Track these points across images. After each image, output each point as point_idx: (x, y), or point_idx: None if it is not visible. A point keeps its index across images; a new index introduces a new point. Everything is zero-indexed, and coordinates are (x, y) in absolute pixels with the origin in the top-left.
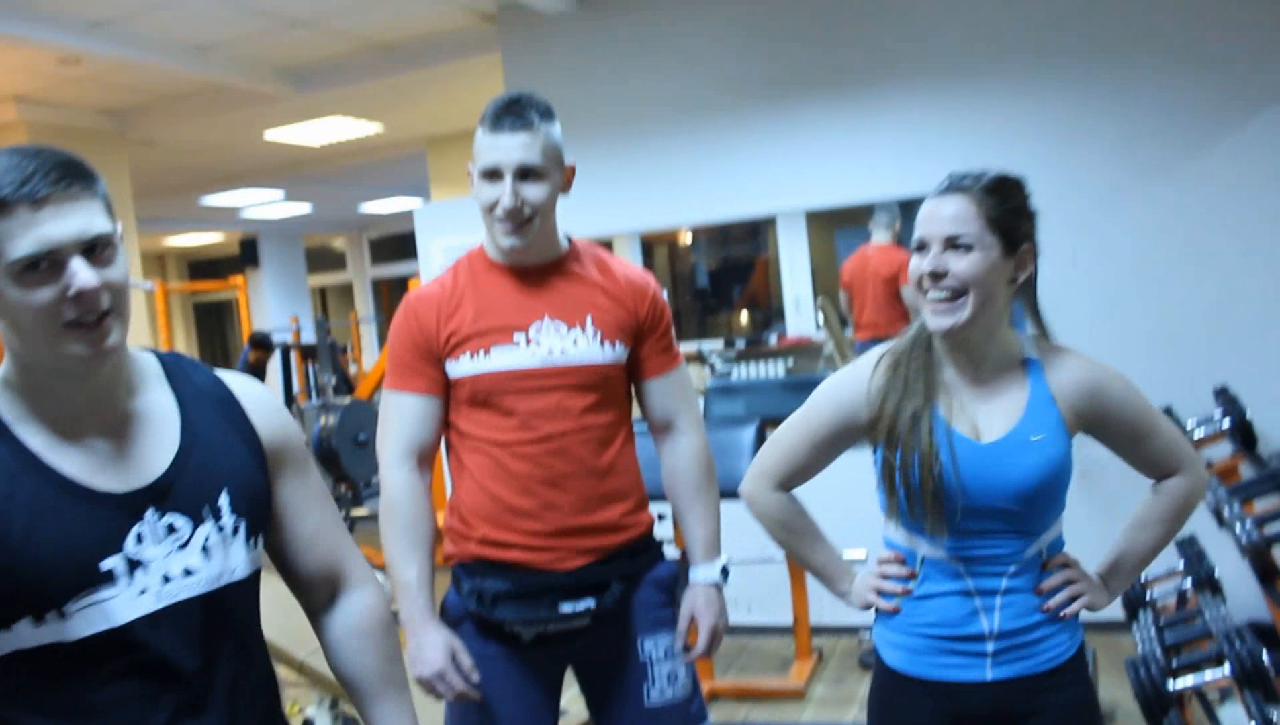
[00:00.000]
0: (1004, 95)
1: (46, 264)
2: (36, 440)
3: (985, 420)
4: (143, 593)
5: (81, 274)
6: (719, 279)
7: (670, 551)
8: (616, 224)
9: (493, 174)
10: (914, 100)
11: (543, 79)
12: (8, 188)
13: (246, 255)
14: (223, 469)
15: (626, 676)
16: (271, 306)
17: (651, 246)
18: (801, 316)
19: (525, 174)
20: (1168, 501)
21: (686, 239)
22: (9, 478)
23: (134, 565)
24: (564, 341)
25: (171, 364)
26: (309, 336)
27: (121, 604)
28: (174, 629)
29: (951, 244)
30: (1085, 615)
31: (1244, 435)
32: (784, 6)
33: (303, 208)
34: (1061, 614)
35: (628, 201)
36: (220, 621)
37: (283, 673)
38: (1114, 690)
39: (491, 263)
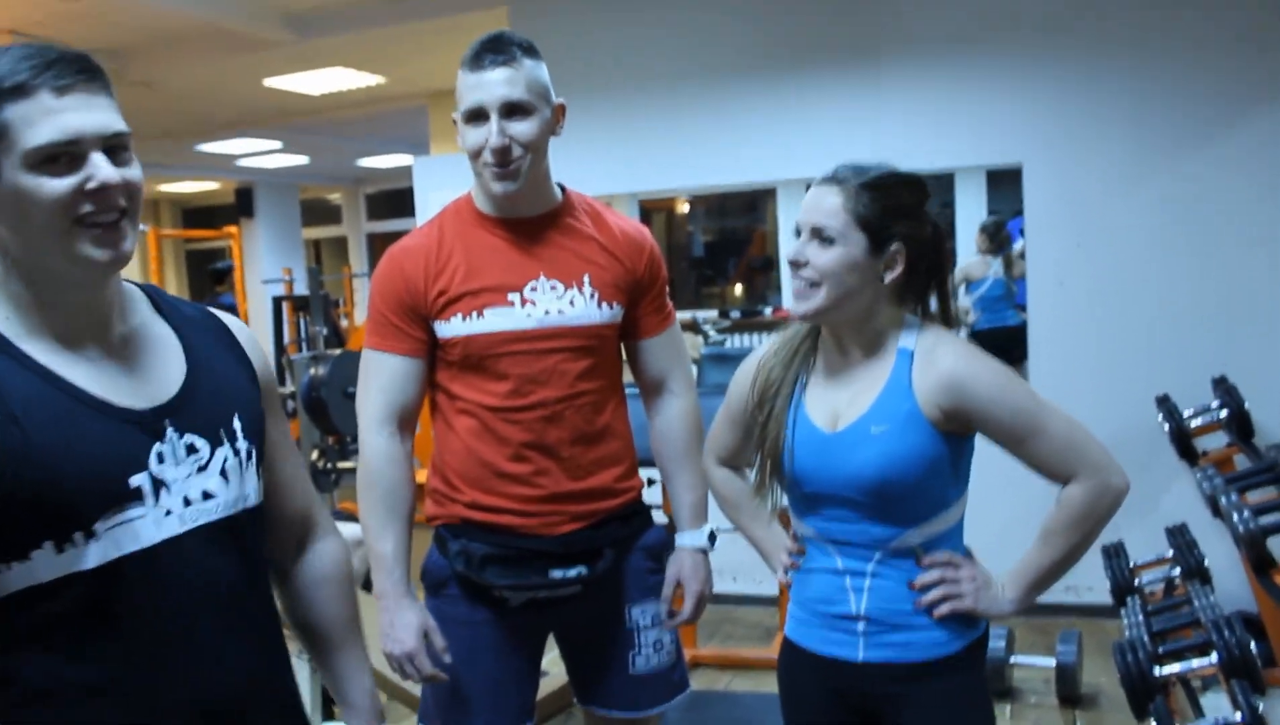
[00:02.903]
0: (1015, 73)
1: (66, 157)
2: (44, 357)
3: (844, 409)
4: (168, 514)
5: (104, 168)
6: (715, 250)
7: (659, 517)
8: (615, 185)
9: (477, 115)
10: (924, 74)
11: (548, 34)
12: (28, 72)
13: (242, 204)
14: (232, 394)
15: (613, 643)
16: (265, 257)
17: (649, 214)
18: None
19: (511, 111)
20: (1064, 512)
21: (684, 208)
22: (23, 392)
23: (158, 485)
24: (560, 302)
25: (154, 294)
26: (301, 289)
27: (148, 525)
28: (194, 553)
29: (817, 234)
30: (1073, 598)
31: (1241, 426)
32: None
33: (300, 159)
34: (933, 614)
35: (628, 163)
36: (236, 547)
37: None
38: (1099, 675)
39: (481, 215)
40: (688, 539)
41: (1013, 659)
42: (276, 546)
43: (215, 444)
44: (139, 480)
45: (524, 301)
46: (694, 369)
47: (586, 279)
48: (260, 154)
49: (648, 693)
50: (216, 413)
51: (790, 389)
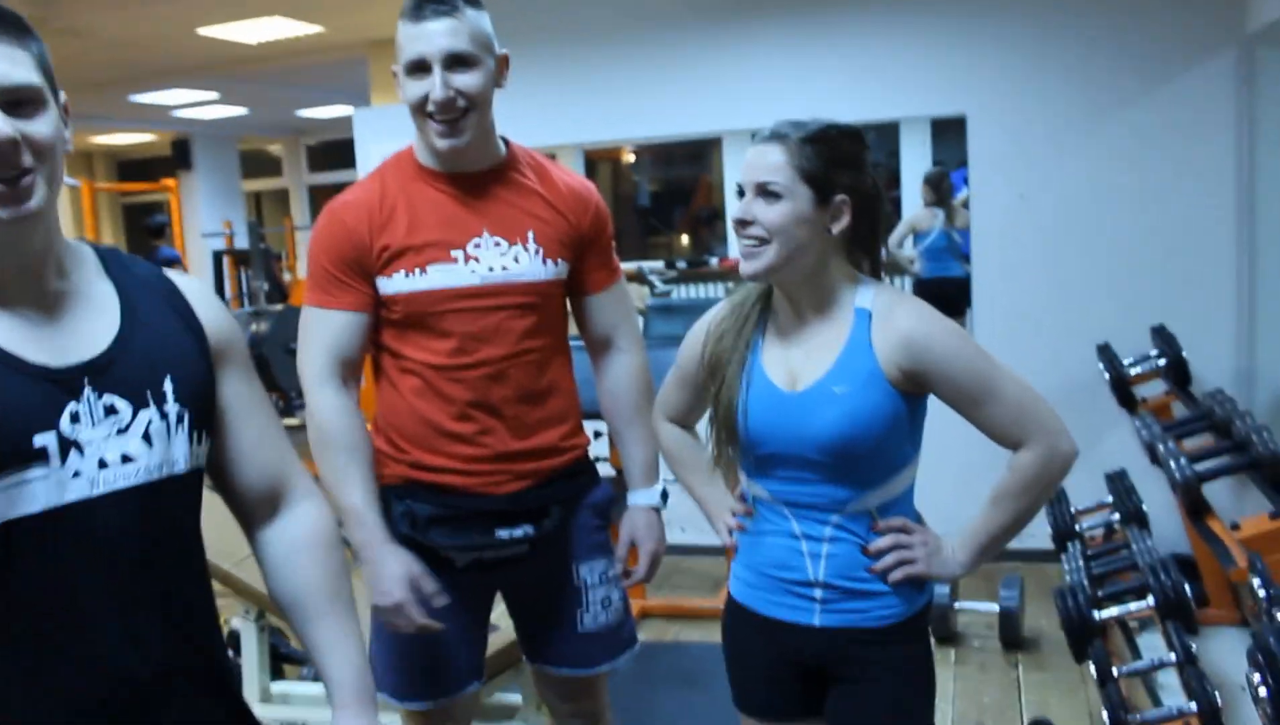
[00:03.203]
0: (960, 23)
1: None
2: None
3: (801, 368)
4: (76, 476)
5: None
6: (661, 199)
7: (606, 470)
8: (560, 135)
9: (419, 66)
10: (869, 26)
11: None
12: None
13: (179, 156)
14: (167, 355)
15: (560, 602)
16: (204, 210)
17: (595, 164)
18: None
19: (455, 62)
20: (1016, 478)
21: (630, 158)
22: None
23: (69, 446)
24: (504, 259)
25: (109, 255)
26: (242, 242)
27: (52, 486)
28: (108, 519)
29: (762, 191)
30: (1016, 543)
31: (1178, 374)
32: None
33: (238, 110)
34: (887, 579)
35: (573, 113)
36: (157, 516)
37: None
38: (1040, 618)
39: (423, 169)
40: (640, 497)
41: (957, 604)
42: (247, 513)
43: (139, 406)
44: (44, 440)
45: (468, 258)
46: (640, 321)
47: (531, 235)
48: (197, 105)
49: (596, 650)
50: (145, 374)
51: (743, 352)
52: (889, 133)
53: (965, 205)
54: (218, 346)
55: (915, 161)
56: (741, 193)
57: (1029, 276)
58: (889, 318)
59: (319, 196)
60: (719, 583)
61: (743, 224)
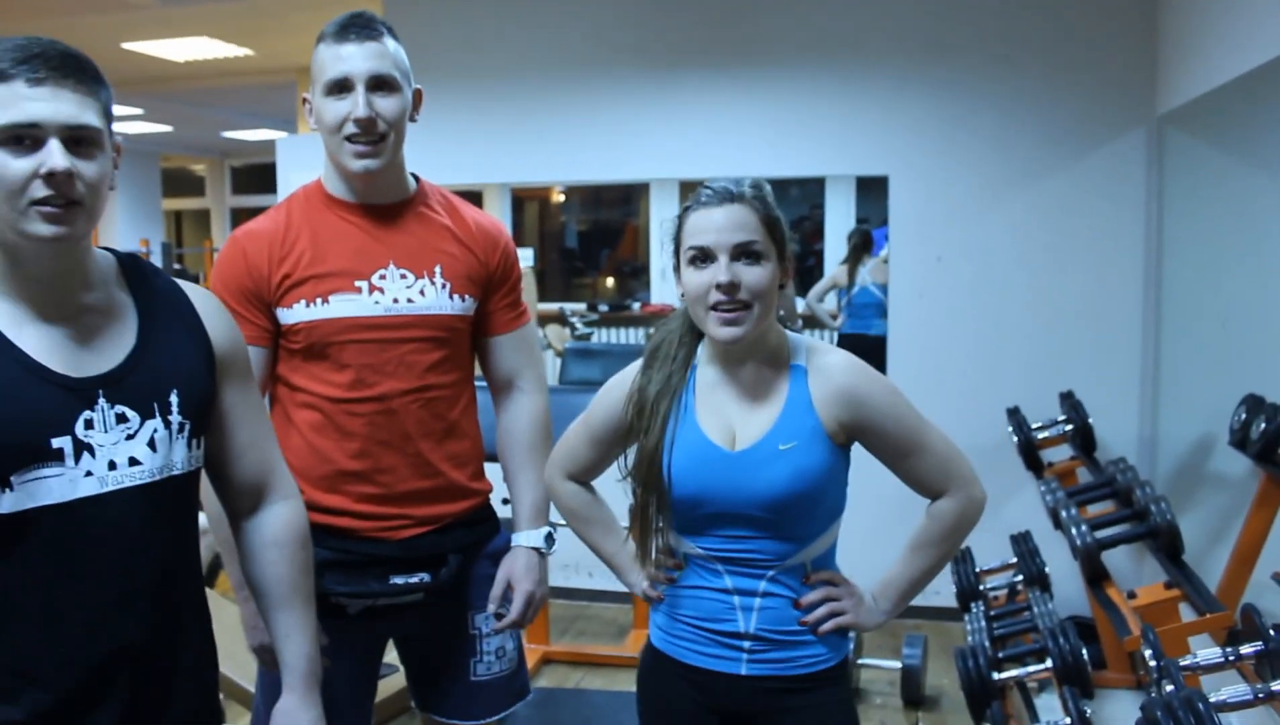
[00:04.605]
0: (886, 86)
1: (29, 141)
2: (3, 321)
3: (741, 426)
4: (88, 475)
5: (56, 155)
6: (588, 241)
7: (508, 512)
8: (487, 175)
9: (341, 86)
10: (797, 81)
11: (424, 18)
12: (8, 62)
13: None
14: (175, 369)
15: (454, 651)
16: (121, 227)
17: (522, 202)
18: (667, 285)
19: (378, 85)
20: (938, 525)
21: (559, 197)
22: None
23: (82, 448)
24: (410, 291)
25: (130, 265)
26: (158, 262)
27: (65, 483)
28: (114, 515)
29: (742, 253)
30: (921, 600)
31: (1084, 440)
32: None
33: (162, 127)
34: (817, 631)
35: (501, 153)
36: (157, 510)
37: None
38: (942, 677)
39: (332, 199)
40: (524, 538)
41: (860, 660)
42: (232, 503)
43: (146, 416)
44: (61, 442)
45: (372, 289)
46: (557, 362)
47: (439, 269)
48: (119, 119)
49: (489, 700)
50: (153, 387)
51: (667, 410)
52: (814, 186)
53: (884, 260)
54: (222, 358)
55: (840, 215)
56: (707, 257)
57: (944, 337)
58: (825, 373)
59: (242, 218)
60: (623, 630)
61: (730, 288)
